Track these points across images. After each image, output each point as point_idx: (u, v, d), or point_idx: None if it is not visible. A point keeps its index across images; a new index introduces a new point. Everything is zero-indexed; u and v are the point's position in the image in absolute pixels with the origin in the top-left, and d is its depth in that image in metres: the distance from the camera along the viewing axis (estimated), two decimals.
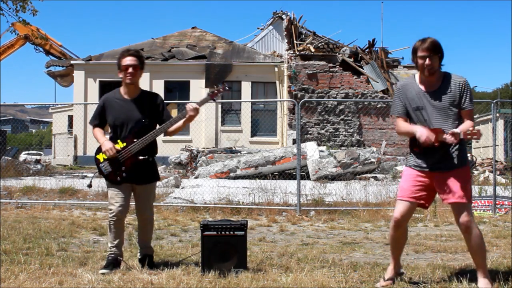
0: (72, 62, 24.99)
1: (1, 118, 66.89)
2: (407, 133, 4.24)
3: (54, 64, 26.09)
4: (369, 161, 14.78)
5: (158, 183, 5.87)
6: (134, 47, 24.83)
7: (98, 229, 7.30)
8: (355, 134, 22.31)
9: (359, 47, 25.27)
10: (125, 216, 4.91)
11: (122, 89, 4.91)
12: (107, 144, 4.77)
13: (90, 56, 24.85)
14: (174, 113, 16.84)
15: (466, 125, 4.08)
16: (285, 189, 10.35)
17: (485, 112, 23.06)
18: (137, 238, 5.13)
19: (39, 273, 4.58)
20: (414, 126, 4.18)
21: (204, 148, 19.77)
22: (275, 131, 24.02)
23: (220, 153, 17.04)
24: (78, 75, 24.42)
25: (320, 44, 24.55)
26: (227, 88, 4.81)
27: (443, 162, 4.14)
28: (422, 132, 4.05)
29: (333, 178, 13.90)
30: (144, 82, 22.54)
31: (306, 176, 14.05)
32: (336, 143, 22.03)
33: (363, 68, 23.56)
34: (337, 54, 23.94)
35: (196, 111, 4.73)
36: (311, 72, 22.59)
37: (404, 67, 25.06)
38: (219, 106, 23.69)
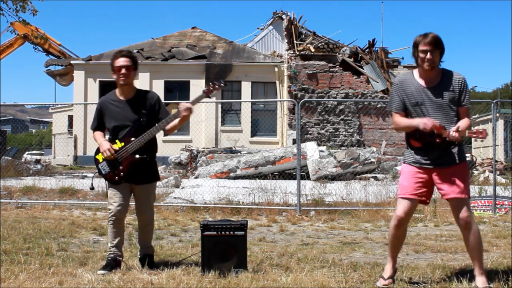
0: (72, 62, 24.99)
1: (1, 118, 66.88)
2: (407, 127, 4.20)
3: (53, 63, 26.09)
4: (369, 161, 14.79)
5: (158, 183, 5.85)
6: (134, 47, 24.89)
7: (98, 229, 7.31)
8: (355, 134, 22.30)
9: (359, 47, 25.26)
10: (124, 216, 4.91)
11: (117, 91, 4.89)
12: (105, 145, 4.78)
13: (90, 56, 24.84)
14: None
15: (465, 122, 4.08)
16: (285, 189, 10.35)
17: (485, 112, 23.07)
18: (137, 238, 5.14)
19: (39, 273, 4.58)
20: (414, 119, 4.16)
21: (204, 148, 19.76)
22: (275, 131, 24.01)
23: (220, 153, 17.03)
24: (78, 75, 24.41)
25: (320, 44, 24.54)
26: (222, 84, 4.77)
27: (443, 158, 4.13)
28: (423, 121, 4.03)
29: (333, 178, 13.91)
30: (144, 82, 22.63)
31: (306, 176, 14.06)
32: (336, 143, 22.02)
33: (363, 68, 23.55)
34: (337, 54, 23.92)
35: (190, 110, 4.70)
36: (311, 72, 22.58)
37: (404, 67, 25.00)
38: (219, 106, 23.70)
